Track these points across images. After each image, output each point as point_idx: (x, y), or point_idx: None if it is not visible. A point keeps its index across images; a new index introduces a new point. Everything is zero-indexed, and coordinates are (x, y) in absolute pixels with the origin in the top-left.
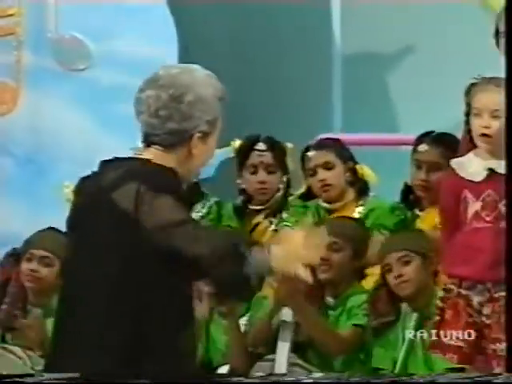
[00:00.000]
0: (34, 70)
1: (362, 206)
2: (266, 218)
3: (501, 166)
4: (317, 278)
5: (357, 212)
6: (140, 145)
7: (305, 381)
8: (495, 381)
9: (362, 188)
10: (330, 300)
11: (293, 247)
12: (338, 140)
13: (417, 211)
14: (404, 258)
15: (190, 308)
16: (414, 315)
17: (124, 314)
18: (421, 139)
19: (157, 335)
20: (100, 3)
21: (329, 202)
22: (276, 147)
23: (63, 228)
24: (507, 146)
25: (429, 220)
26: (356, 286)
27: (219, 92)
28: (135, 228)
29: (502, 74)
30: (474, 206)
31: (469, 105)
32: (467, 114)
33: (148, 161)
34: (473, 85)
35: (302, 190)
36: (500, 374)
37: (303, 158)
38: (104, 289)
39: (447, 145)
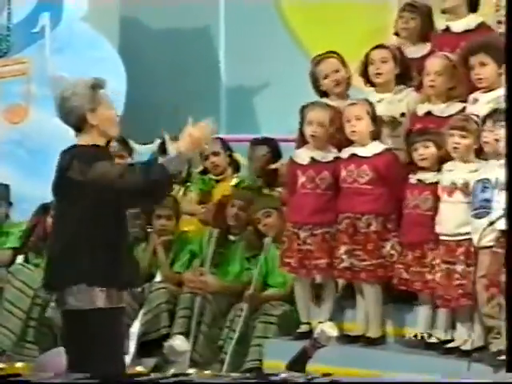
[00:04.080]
0: (37, 96)
1: (235, 178)
2: (177, 185)
3: (318, 155)
4: (226, 224)
5: (232, 181)
6: None
7: (300, 380)
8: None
9: (235, 167)
10: (232, 238)
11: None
12: (222, 138)
13: (266, 190)
14: (266, 213)
15: (126, 229)
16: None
17: (87, 239)
18: (252, 142)
19: (106, 251)
20: (79, 55)
21: (216, 175)
22: None
23: None
24: (507, 145)
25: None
26: (248, 231)
27: (90, 83)
28: (85, 189)
29: (325, 100)
30: (301, 179)
31: (303, 118)
32: (301, 123)
33: (82, 145)
34: (304, 106)
35: (201, 168)
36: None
37: None
38: (71, 227)
39: (268, 144)
